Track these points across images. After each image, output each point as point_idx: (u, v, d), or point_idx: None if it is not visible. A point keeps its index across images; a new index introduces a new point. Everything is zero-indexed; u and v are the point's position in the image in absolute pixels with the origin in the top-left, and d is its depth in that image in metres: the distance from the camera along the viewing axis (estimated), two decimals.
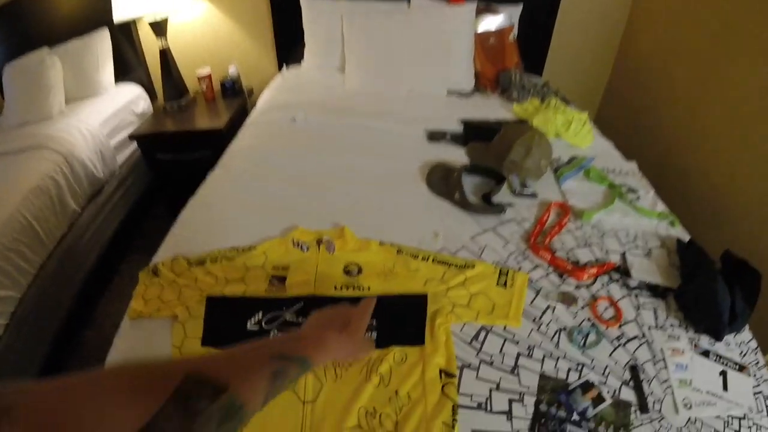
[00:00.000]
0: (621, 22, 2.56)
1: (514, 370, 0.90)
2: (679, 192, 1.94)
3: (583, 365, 0.92)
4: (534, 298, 1.05)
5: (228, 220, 1.30)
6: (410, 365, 0.86)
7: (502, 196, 1.38)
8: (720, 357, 0.96)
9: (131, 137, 2.38)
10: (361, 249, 1.12)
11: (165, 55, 2.43)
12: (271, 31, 2.65)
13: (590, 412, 0.84)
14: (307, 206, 1.34)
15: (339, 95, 2.19)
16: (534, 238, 1.21)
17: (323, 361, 0.62)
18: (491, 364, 0.90)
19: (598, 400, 0.86)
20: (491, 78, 2.22)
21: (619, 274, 1.13)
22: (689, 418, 0.85)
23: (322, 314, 0.71)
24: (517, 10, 2.33)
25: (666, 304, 1.07)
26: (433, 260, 1.09)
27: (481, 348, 0.93)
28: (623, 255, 1.19)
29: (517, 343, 0.95)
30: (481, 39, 2.24)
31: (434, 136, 1.72)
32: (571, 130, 1.70)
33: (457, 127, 1.79)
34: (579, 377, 0.90)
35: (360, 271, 1.06)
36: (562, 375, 0.90)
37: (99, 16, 2.47)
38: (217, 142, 2.02)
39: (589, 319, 1.01)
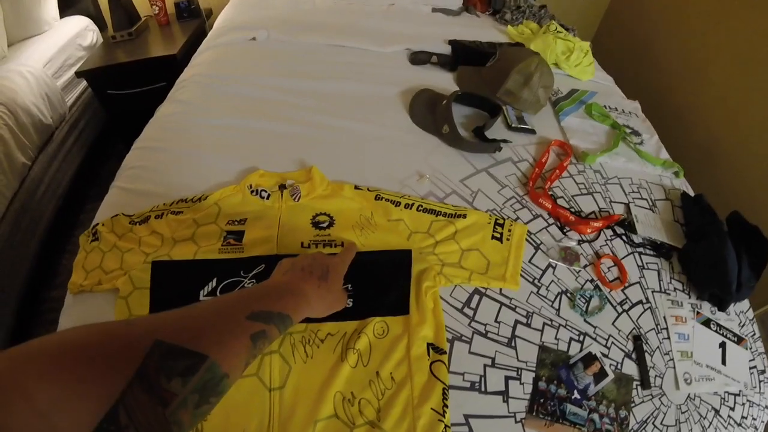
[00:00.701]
0: None
1: (511, 341, 0.78)
2: (673, 140, 1.82)
3: (585, 334, 0.82)
4: (533, 255, 0.91)
5: (177, 165, 1.06)
6: (393, 339, 0.72)
7: (496, 130, 1.21)
8: (720, 327, 0.91)
9: (78, 74, 2.09)
10: (333, 195, 0.93)
11: None
12: None
13: (591, 390, 0.76)
14: (268, 141, 1.12)
15: (308, 10, 1.90)
16: (533, 182, 1.05)
17: (302, 317, 0.56)
18: (486, 335, 0.77)
19: (600, 375, 0.78)
20: None
21: (623, 228, 1.01)
22: (688, 395, 0.80)
23: (297, 261, 0.63)
24: None
25: (670, 265, 0.98)
26: (418, 207, 0.92)
27: (474, 316, 0.79)
28: (628, 206, 1.07)
29: (515, 308, 0.82)
30: None
31: (418, 59, 1.49)
32: (571, 60, 1.51)
33: (444, 49, 1.56)
34: (581, 349, 0.80)
35: (332, 222, 0.87)
36: (563, 346, 0.79)
37: None
38: (172, 71, 1.75)
39: (592, 281, 0.90)
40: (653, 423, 0.75)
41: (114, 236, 0.87)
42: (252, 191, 0.91)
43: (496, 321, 0.79)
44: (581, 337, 0.81)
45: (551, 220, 0.99)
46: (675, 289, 0.93)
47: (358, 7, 1.93)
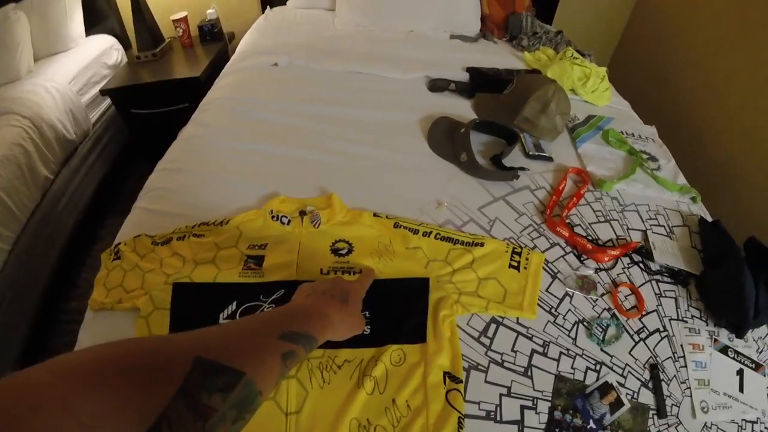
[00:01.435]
0: None
1: (528, 371, 0.78)
2: (693, 160, 1.82)
3: (602, 364, 0.82)
4: (550, 284, 0.92)
5: (199, 187, 1.11)
6: (409, 367, 0.74)
7: (514, 158, 1.23)
8: (738, 354, 0.90)
9: (102, 92, 2.17)
10: (352, 221, 0.96)
11: None
12: None
13: (607, 419, 0.76)
14: (289, 167, 1.16)
15: (329, 37, 1.96)
16: (550, 210, 1.07)
17: (325, 339, 0.58)
18: (502, 364, 0.78)
19: (617, 404, 0.78)
20: (499, 22, 2.01)
21: (640, 255, 1.02)
22: (705, 424, 0.79)
23: (317, 286, 0.65)
24: None
25: (687, 292, 0.97)
26: (436, 236, 0.94)
27: (490, 345, 0.81)
28: (645, 234, 1.07)
29: (531, 338, 0.83)
30: None
31: (436, 86, 1.53)
32: (588, 86, 1.53)
33: (462, 76, 1.60)
34: (597, 378, 0.80)
35: (351, 249, 0.90)
36: (579, 376, 0.80)
37: None
38: (195, 92, 1.82)
39: (609, 309, 0.90)
40: None
41: (136, 256, 0.91)
42: (273, 217, 0.94)
43: (512, 350, 0.81)
44: (598, 367, 0.81)
45: (568, 249, 1.00)
46: (692, 316, 0.93)
47: (378, 33, 1.98)
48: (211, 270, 0.85)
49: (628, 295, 0.94)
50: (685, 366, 0.85)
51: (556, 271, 0.95)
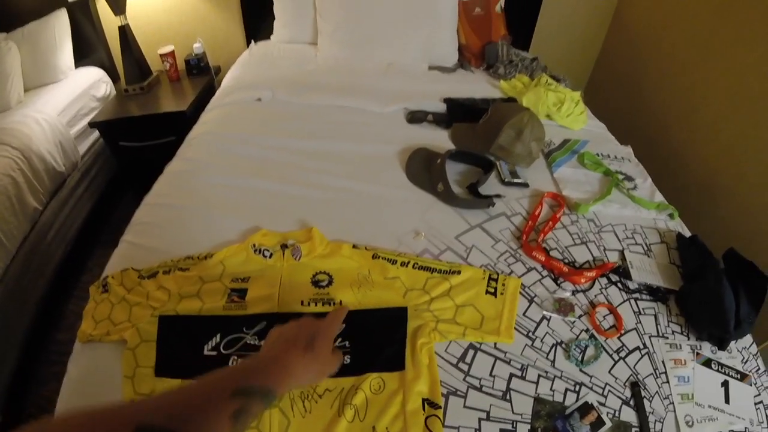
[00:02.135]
0: None
1: (506, 394, 0.81)
2: (671, 178, 1.87)
3: (581, 384, 0.84)
4: (527, 308, 0.95)
5: (184, 222, 1.16)
6: (389, 395, 0.76)
7: (491, 185, 1.28)
8: (722, 366, 0.92)
9: (91, 125, 2.23)
10: (332, 254, 1.00)
11: (124, 32, 2.25)
12: (239, 3, 2.47)
13: None
14: (271, 201, 1.21)
15: (311, 71, 2.03)
16: (526, 235, 1.11)
17: (288, 390, 0.59)
18: (480, 389, 0.81)
19: (597, 423, 0.80)
20: (476, 52, 2.09)
21: (618, 275, 1.05)
22: None
23: (284, 331, 0.64)
24: None
25: (667, 308, 1.00)
26: (413, 265, 0.97)
27: (469, 370, 0.83)
28: (622, 253, 1.11)
29: (509, 362, 0.85)
30: (466, 8, 2.10)
31: (415, 118, 1.59)
32: (563, 111, 1.59)
33: (440, 107, 1.66)
34: (577, 399, 0.82)
35: (331, 281, 0.94)
36: (558, 397, 0.82)
37: None
38: (181, 126, 1.88)
39: (587, 330, 0.93)
40: None
41: (123, 289, 0.94)
42: (255, 250, 0.98)
43: (490, 375, 0.83)
44: (577, 387, 0.83)
45: (545, 272, 1.04)
46: (673, 332, 0.96)
47: (359, 66, 2.05)
48: (196, 303, 0.89)
49: (607, 315, 0.97)
50: (667, 382, 0.87)
51: (533, 295, 0.98)
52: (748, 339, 0.98)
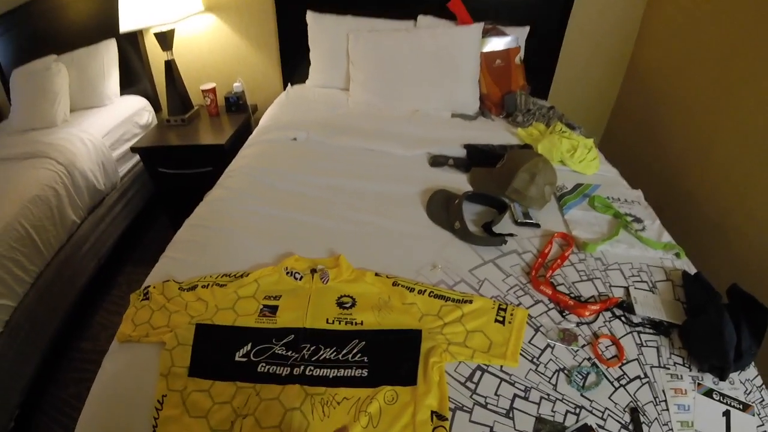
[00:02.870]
0: (629, 44, 2.56)
1: (509, 412, 0.88)
2: (685, 219, 1.93)
3: (581, 407, 0.90)
4: (533, 336, 1.03)
5: (222, 243, 1.30)
6: (401, 406, 0.85)
7: (504, 225, 1.38)
8: (724, 396, 0.94)
9: (133, 149, 2.40)
10: (356, 280, 1.12)
11: (170, 66, 2.45)
12: (278, 48, 2.67)
13: None
14: (303, 231, 1.34)
15: (342, 114, 2.20)
16: (535, 271, 1.20)
17: None
18: (485, 406, 0.89)
19: None
20: (496, 101, 2.23)
21: (622, 309, 1.12)
22: None
23: None
24: (524, 31, 2.33)
25: (669, 341, 1.05)
26: (429, 294, 1.08)
27: (475, 389, 0.91)
28: (627, 290, 1.18)
29: (514, 384, 0.93)
30: (488, 61, 2.25)
31: (437, 161, 1.73)
32: (576, 157, 1.69)
33: (460, 152, 1.79)
34: (577, 420, 0.88)
35: (354, 303, 1.05)
36: (559, 418, 0.88)
37: (107, 25, 2.50)
38: (219, 158, 2.03)
39: (589, 359, 0.99)
40: None
41: (164, 298, 1.07)
42: (287, 272, 1.11)
43: (495, 394, 0.91)
44: (577, 410, 0.89)
45: (551, 305, 1.11)
46: (675, 363, 0.99)
47: (387, 111, 2.21)
48: (231, 315, 1.02)
49: (609, 345, 1.03)
50: (667, 409, 0.90)
51: (539, 325, 1.06)
52: (752, 371, 1.00)
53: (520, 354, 0.98)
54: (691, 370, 0.99)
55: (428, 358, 0.93)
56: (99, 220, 2.27)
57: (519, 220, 1.38)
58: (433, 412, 0.84)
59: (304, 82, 2.58)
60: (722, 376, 0.97)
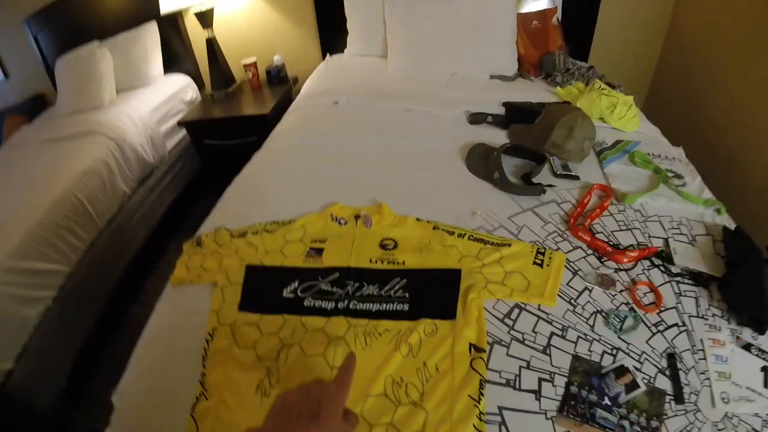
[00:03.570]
0: (668, 5, 2.38)
1: (546, 349, 0.84)
2: (726, 181, 1.79)
3: (618, 349, 0.85)
4: (571, 279, 0.98)
5: (270, 196, 1.30)
6: (440, 338, 0.83)
7: (543, 177, 1.31)
8: (762, 352, 0.87)
9: (180, 124, 2.41)
10: (398, 224, 1.09)
11: (212, 44, 2.44)
12: (315, 19, 2.61)
13: (623, 398, 0.78)
14: (346, 184, 1.31)
15: (381, 80, 2.13)
16: (574, 219, 1.13)
17: None
18: (523, 341, 0.85)
19: (632, 386, 0.79)
20: (534, 62, 2.11)
21: (661, 259, 1.04)
22: (726, 413, 0.77)
23: (288, 399, 0.56)
24: None
25: (708, 293, 0.98)
26: (469, 237, 1.04)
27: (513, 325, 0.88)
28: (666, 241, 1.10)
29: (551, 322, 0.89)
30: (524, 22, 2.13)
31: (475, 119, 1.65)
32: (615, 114, 1.58)
33: (499, 110, 1.70)
34: (613, 361, 0.83)
35: (396, 245, 1.03)
36: (595, 358, 0.83)
37: (147, 9, 2.51)
38: (263, 128, 2.00)
39: (627, 304, 0.94)
40: None
41: (215, 245, 1.08)
42: (333, 219, 1.10)
43: (533, 331, 0.87)
44: (614, 351, 0.84)
45: (590, 251, 1.05)
46: (713, 315, 0.93)
47: (426, 76, 2.11)
48: (279, 257, 1.02)
49: (647, 292, 0.97)
50: (705, 358, 0.84)
51: (577, 269, 1.01)
52: None
53: (558, 295, 0.93)
54: (729, 323, 0.92)
55: (467, 294, 0.89)
56: (149, 192, 2.30)
57: (558, 172, 1.31)
58: (471, 345, 0.82)
59: (342, 51, 2.52)
60: (761, 330, 0.90)
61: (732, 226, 1.16)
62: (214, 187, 2.54)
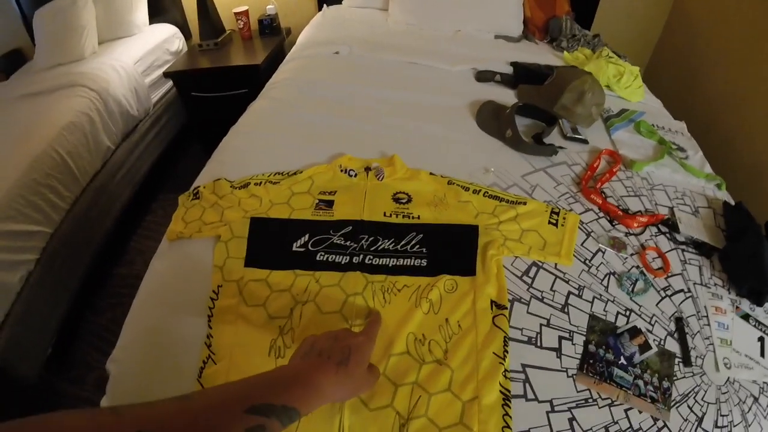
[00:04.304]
0: None
1: (564, 308, 0.79)
2: (722, 158, 1.76)
3: (631, 311, 0.82)
4: (584, 240, 0.93)
5: (271, 147, 1.15)
6: (461, 294, 0.76)
7: (553, 138, 1.23)
8: (759, 323, 0.87)
9: (165, 74, 2.19)
10: (411, 178, 0.99)
11: None
12: None
13: (637, 358, 0.76)
14: (353, 135, 1.19)
15: (382, 33, 1.97)
16: (585, 182, 1.07)
17: (316, 408, 0.48)
18: (542, 300, 0.80)
19: (645, 347, 0.77)
20: (540, 25, 1.99)
21: (667, 227, 1.01)
22: (728, 378, 0.77)
23: (318, 343, 0.55)
24: None
25: (711, 263, 0.95)
26: (484, 194, 0.96)
27: (532, 283, 0.82)
28: (671, 210, 1.06)
29: (568, 281, 0.84)
30: None
31: (483, 76, 1.54)
32: (622, 82, 1.51)
33: (507, 69, 1.60)
34: (627, 322, 0.80)
35: (410, 199, 0.93)
36: (611, 318, 0.80)
37: None
38: (254, 80, 1.83)
39: (637, 267, 0.90)
40: (694, 398, 0.73)
41: (215, 196, 0.95)
42: (342, 170, 0.99)
43: (551, 289, 0.82)
44: (627, 312, 0.81)
45: (601, 214, 1.00)
46: (715, 284, 0.91)
47: (428, 32, 1.98)
48: (286, 209, 0.90)
49: (655, 257, 0.93)
50: (709, 324, 0.83)
51: (590, 230, 0.95)
52: None
53: (573, 255, 0.88)
54: (729, 293, 0.90)
55: (486, 250, 0.83)
56: (133, 147, 2.11)
57: (568, 135, 1.24)
58: (492, 301, 0.76)
59: (339, 2, 2.33)
60: (759, 302, 0.89)
61: (730, 200, 1.14)
62: (201, 143, 2.43)
